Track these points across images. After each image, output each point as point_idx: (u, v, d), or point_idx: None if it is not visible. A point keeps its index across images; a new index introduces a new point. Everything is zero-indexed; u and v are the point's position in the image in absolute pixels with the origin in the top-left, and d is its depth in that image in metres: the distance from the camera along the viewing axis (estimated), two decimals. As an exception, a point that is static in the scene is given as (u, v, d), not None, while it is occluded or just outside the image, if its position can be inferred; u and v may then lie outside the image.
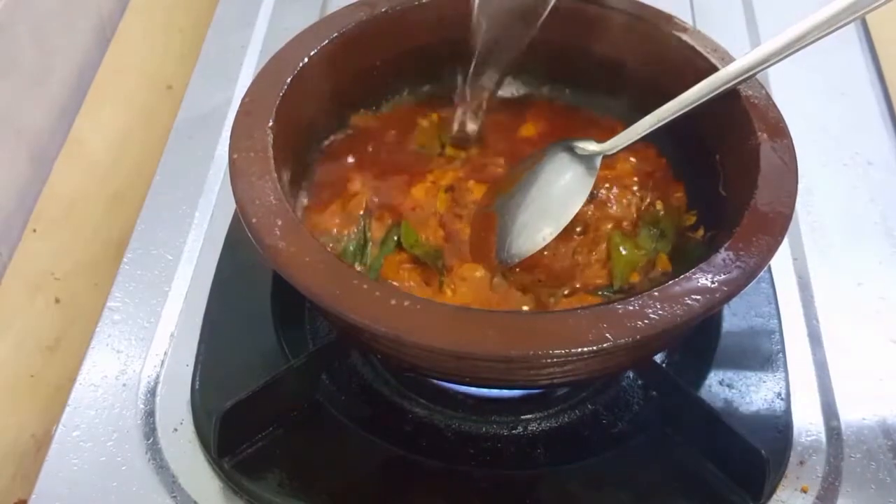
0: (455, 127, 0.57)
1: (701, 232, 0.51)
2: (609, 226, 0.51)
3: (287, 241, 0.42)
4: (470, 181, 0.53)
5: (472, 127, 0.56)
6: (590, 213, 0.52)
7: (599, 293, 0.49)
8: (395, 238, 0.51)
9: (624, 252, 0.50)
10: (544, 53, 0.57)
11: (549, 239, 0.49)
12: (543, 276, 0.49)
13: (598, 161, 0.50)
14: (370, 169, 0.54)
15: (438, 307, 0.42)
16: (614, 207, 0.52)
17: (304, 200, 0.53)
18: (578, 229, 0.51)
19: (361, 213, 0.52)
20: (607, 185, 0.52)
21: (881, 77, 0.72)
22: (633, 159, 0.54)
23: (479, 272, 0.49)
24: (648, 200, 0.53)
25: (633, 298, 0.40)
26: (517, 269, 0.49)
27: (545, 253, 0.50)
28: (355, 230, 0.51)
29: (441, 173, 0.54)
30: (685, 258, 0.50)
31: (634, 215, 0.52)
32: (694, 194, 0.53)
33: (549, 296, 0.49)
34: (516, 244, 0.49)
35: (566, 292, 0.49)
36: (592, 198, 0.52)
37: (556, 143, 0.53)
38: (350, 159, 0.55)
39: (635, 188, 0.53)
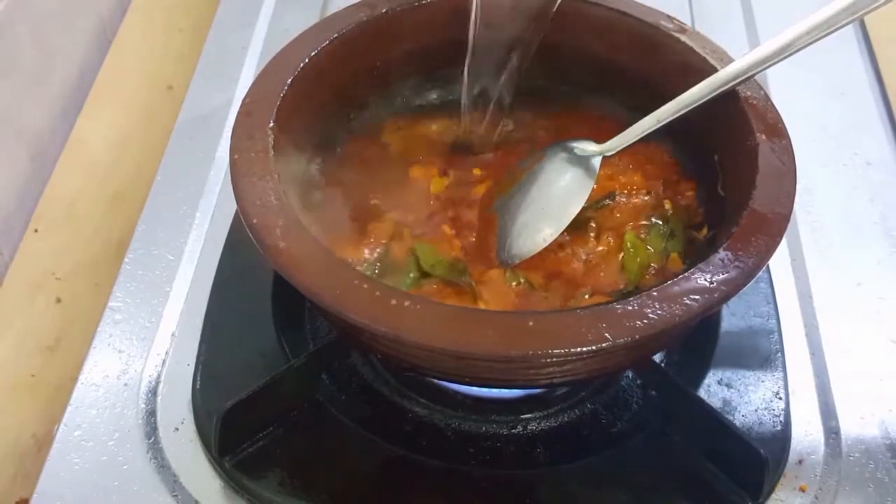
0: (461, 130, 0.56)
1: (704, 231, 0.51)
2: (620, 226, 0.51)
3: (287, 242, 0.42)
4: (473, 169, 0.54)
5: (479, 131, 0.56)
6: (601, 214, 0.52)
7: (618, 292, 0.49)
8: (416, 265, 0.49)
9: (635, 253, 0.50)
10: (543, 53, 0.57)
11: (549, 240, 0.49)
12: (558, 279, 0.49)
13: (598, 162, 0.50)
14: (374, 174, 0.54)
15: (438, 307, 0.42)
16: (625, 208, 0.52)
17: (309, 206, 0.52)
18: (593, 235, 0.51)
19: (384, 242, 0.50)
20: (618, 187, 0.53)
21: (879, 77, 0.72)
22: (642, 160, 0.54)
23: (497, 274, 0.49)
24: (657, 200, 0.53)
25: (632, 298, 0.40)
26: (539, 275, 0.49)
27: (559, 255, 0.50)
28: (371, 254, 0.50)
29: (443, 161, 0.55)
30: (696, 257, 0.50)
31: (644, 215, 0.52)
32: (699, 193, 0.53)
33: (570, 298, 0.49)
34: (517, 245, 0.49)
35: (587, 296, 0.49)
36: (612, 199, 0.52)
37: (555, 143, 0.53)
38: (352, 164, 0.55)
39: (645, 189, 0.53)
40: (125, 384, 0.52)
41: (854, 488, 0.48)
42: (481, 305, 0.47)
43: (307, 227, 0.43)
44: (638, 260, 0.50)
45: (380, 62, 0.56)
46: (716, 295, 0.40)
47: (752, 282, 0.41)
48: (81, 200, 0.66)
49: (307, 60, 0.51)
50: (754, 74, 0.48)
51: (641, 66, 0.55)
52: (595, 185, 0.50)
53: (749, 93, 0.49)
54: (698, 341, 0.53)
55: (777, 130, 0.48)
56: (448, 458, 0.49)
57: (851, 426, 0.51)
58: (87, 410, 0.51)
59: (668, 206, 0.53)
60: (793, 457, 0.49)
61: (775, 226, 0.43)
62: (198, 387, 0.51)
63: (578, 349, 0.38)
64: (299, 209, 0.45)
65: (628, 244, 0.50)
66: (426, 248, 0.50)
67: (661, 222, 0.52)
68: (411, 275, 0.48)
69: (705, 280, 0.41)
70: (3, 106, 0.64)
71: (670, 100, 0.49)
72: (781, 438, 0.49)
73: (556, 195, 0.50)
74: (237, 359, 0.52)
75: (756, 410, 0.50)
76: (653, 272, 0.50)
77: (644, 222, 0.52)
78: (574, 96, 0.58)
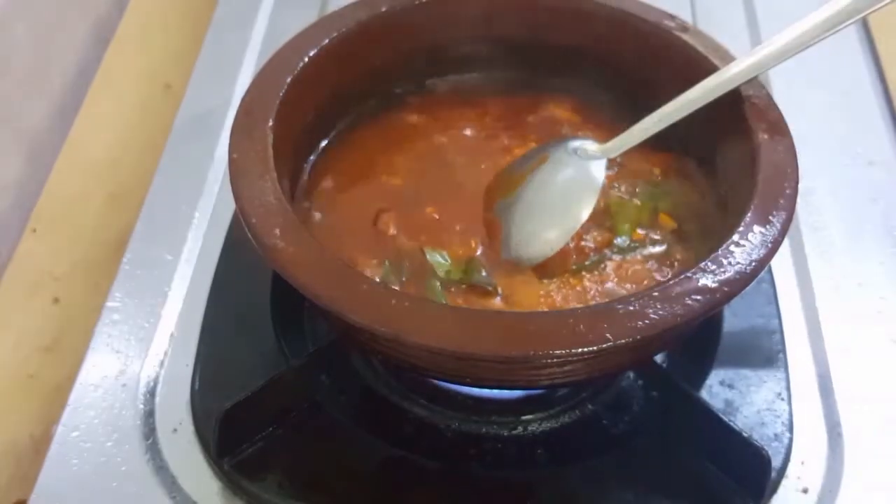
0: None
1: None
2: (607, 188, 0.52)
3: (287, 241, 0.42)
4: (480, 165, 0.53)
5: None
6: None
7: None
8: (432, 271, 0.48)
9: (622, 211, 0.50)
10: (543, 51, 0.57)
11: (556, 248, 0.48)
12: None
13: (604, 166, 0.50)
14: (377, 174, 0.54)
15: (438, 307, 0.42)
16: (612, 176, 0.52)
17: (307, 205, 0.52)
18: None
19: (396, 248, 0.49)
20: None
21: (882, 76, 0.72)
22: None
23: (517, 272, 0.48)
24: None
25: (632, 298, 0.40)
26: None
27: None
28: (384, 262, 0.49)
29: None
30: (692, 214, 0.51)
31: (631, 178, 0.52)
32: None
33: (581, 269, 0.48)
34: (525, 252, 0.48)
35: (589, 263, 0.49)
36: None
37: (557, 143, 0.52)
38: (354, 164, 0.54)
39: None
40: (123, 385, 0.52)
41: (857, 489, 0.48)
42: (507, 301, 0.47)
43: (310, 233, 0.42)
44: (623, 215, 0.50)
45: (380, 61, 0.56)
46: (718, 295, 0.40)
47: (755, 282, 0.41)
48: (79, 200, 0.66)
49: (307, 59, 0.51)
50: (757, 74, 0.47)
51: (642, 65, 0.55)
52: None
53: (751, 91, 0.49)
54: (700, 342, 0.53)
55: (779, 129, 0.47)
56: (448, 459, 0.49)
57: (854, 426, 0.50)
58: (85, 411, 0.51)
59: (657, 171, 0.53)
60: (795, 457, 0.49)
61: (777, 225, 0.43)
62: (196, 388, 0.51)
63: (579, 349, 0.38)
64: (301, 217, 0.45)
65: (614, 202, 0.51)
66: (436, 253, 0.49)
67: (649, 184, 0.52)
68: (432, 281, 0.48)
69: (707, 280, 0.40)
70: (1, 105, 0.63)
71: (671, 99, 0.49)
72: (784, 439, 0.49)
73: (563, 202, 0.50)
74: (236, 359, 0.52)
75: (758, 411, 0.50)
76: (642, 231, 0.50)
77: (632, 183, 0.52)
78: (574, 94, 0.58)
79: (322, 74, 0.52)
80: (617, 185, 0.52)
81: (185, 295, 0.56)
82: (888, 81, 0.71)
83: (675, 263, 0.49)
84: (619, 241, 0.50)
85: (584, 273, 0.48)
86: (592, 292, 0.47)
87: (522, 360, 0.40)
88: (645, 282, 0.48)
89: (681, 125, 0.49)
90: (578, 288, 0.48)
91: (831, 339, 0.55)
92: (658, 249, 0.50)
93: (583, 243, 0.49)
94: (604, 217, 0.51)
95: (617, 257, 0.49)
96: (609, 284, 0.48)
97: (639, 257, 0.49)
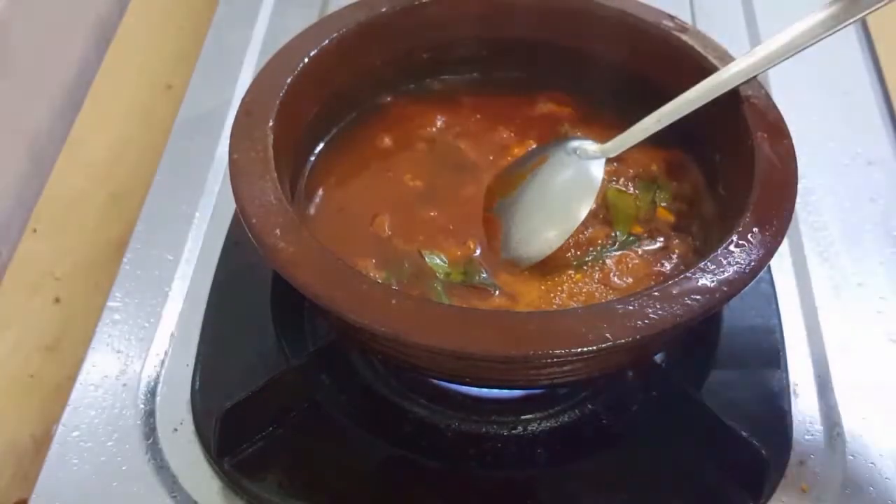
0: None
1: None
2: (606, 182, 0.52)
3: (287, 241, 0.42)
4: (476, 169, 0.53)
5: None
6: None
7: (612, 244, 0.50)
8: (432, 273, 0.48)
9: (620, 205, 0.51)
10: (543, 52, 0.57)
11: (555, 246, 0.48)
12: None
13: (602, 165, 0.50)
14: (375, 176, 0.54)
15: (438, 307, 0.42)
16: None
17: (308, 205, 0.52)
18: None
19: (393, 251, 0.49)
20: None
21: (881, 77, 0.72)
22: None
23: (517, 271, 0.48)
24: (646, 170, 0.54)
25: (632, 298, 0.40)
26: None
27: None
28: (383, 265, 0.49)
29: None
30: (690, 209, 0.51)
31: (629, 173, 0.53)
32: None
33: (581, 264, 0.48)
34: (525, 250, 0.48)
35: (589, 258, 0.49)
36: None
37: (556, 143, 0.52)
38: (353, 165, 0.54)
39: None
40: (124, 384, 0.52)
41: (856, 489, 0.48)
42: (513, 298, 0.47)
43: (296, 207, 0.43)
44: (622, 209, 0.51)
45: (379, 61, 0.56)
46: (717, 295, 0.40)
47: (754, 282, 0.41)
48: (80, 200, 0.66)
49: (307, 60, 0.51)
50: (756, 75, 0.47)
51: (642, 66, 0.55)
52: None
53: (750, 92, 0.49)
54: (700, 341, 0.53)
55: (778, 130, 0.47)
56: (448, 459, 0.49)
57: (853, 427, 0.51)
58: (85, 411, 0.51)
59: (655, 167, 0.53)
60: (794, 457, 0.49)
61: (777, 226, 0.43)
62: (197, 387, 0.51)
63: (579, 349, 0.38)
64: (301, 217, 0.45)
65: (613, 196, 0.51)
66: (434, 254, 0.49)
67: (648, 179, 0.52)
68: (434, 283, 0.48)
69: (706, 280, 0.41)
70: (2, 106, 0.63)
71: (671, 99, 0.49)
72: (783, 439, 0.49)
73: (562, 201, 0.50)
74: (236, 359, 0.52)
75: (757, 411, 0.50)
76: (641, 224, 0.50)
77: (630, 178, 0.53)
78: (573, 94, 0.58)
79: (322, 75, 0.52)
80: (616, 179, 0.53)
81: (186, 295, 0.56)
82: (887, 81, 0.71)
83: (675, 257, 0.49)
84: (617, 234, 0.50)
85: (584, 268, 0.48)
86: (593, 287, 0.48)
87: (522, 360, 0.40)
88: (649, 269, 0.48)
89: (680, 125, 0.49)
90: (580, 283, 0.48)
91: (831, 339, 0.55)
92: (657, 243, 0.50)
93: (582, 238, 0.49)
94: (603, 211, 0.51)
95: (616, 252, 0.49)
96: (609, 279, 0.48)
97: (639, 251, 0.49)
